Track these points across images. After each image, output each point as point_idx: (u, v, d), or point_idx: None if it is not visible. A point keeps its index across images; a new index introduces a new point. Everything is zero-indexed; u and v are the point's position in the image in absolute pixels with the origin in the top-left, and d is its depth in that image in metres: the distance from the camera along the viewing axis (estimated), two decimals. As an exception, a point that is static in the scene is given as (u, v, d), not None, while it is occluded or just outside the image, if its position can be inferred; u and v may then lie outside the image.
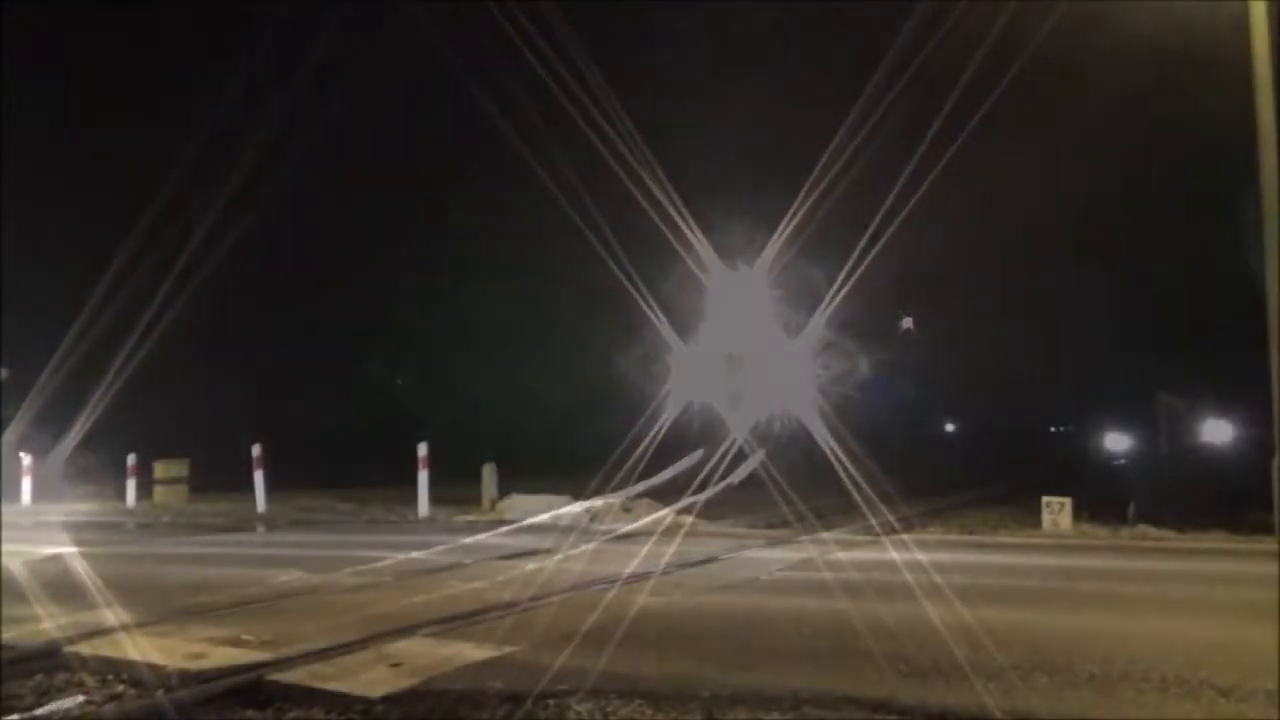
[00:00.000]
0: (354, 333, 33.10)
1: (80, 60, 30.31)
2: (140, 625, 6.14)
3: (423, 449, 14.97)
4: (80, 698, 4.82)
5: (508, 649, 5.38)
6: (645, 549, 10.42)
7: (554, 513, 14.34)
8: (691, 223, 13.05)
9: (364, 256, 34.28)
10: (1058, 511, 11.91)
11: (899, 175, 11.59)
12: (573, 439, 24.73)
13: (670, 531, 12.84)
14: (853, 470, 11.04)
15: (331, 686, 4.65)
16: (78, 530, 13.54)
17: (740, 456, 16.14)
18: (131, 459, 17.87)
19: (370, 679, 4.77)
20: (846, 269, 12.57)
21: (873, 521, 11.45)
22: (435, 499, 15.53)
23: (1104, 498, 14.13)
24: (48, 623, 6.23)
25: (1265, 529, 10.97)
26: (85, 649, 5.47)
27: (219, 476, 20.78)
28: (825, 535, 12.86)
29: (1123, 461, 37.00)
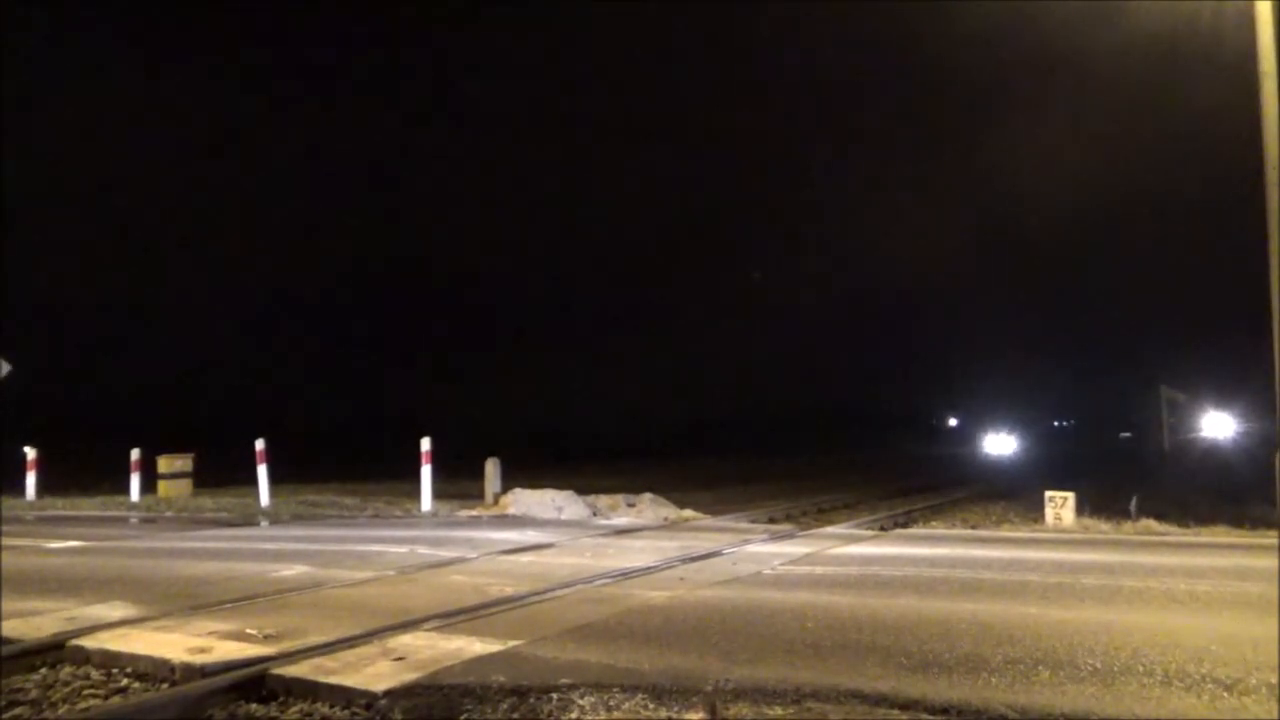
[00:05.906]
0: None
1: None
2: (144, 619, 6.17)
3: (426, 443, 14.97)
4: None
5: (511, 643, 5.39)
6: (649, 543, 10.44)
7: (557, 508, 14.37)
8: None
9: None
10: (1060, 506, 11.92)
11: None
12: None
13: (673, 526, 12.86)
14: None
15: (335, 680, 4.67)
16: (82, 524, 13.60)
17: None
18: (136, 454, 17.91)
19: (374, 673, 4.78)
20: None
21: (876, 516, 11.47)
22: (439, 494, 15.57)
23: (1107, 492, 14.12)
24: (52, 617, 6.25)
25: (1268, 523, 10.97)
26: (89, 643, 5.49)
27: (223, 471, 20.86)
28: (829, 530, 12.88)
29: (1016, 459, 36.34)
